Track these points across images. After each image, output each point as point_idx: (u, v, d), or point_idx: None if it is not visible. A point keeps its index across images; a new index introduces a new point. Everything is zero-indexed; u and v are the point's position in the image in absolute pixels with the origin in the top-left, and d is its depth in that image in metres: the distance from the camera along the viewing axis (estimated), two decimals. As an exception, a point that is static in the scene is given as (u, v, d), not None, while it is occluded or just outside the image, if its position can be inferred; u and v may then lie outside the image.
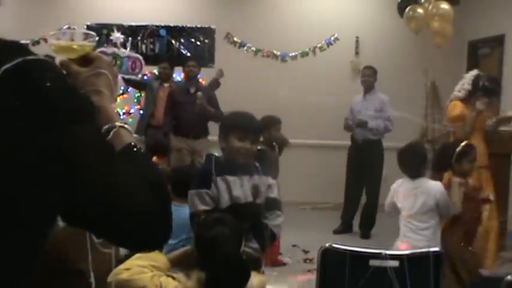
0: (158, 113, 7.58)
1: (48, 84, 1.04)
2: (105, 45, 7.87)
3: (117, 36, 7.68)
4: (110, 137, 1.26)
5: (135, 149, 1.27)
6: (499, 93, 6.47)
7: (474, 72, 5.68)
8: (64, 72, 1.33)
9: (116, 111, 1.36)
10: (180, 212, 3.55)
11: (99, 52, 6.70)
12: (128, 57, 7.49)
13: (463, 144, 4.37)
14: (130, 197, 1.13)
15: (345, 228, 7.28)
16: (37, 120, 1.01)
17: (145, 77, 8.08)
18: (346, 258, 3.05)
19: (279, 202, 3.34)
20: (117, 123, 1.29)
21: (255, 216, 3.16)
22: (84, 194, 1.07)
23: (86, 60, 1.38)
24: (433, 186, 4.21)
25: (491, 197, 4.77)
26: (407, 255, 3.11)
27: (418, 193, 4.23)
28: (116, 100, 1.45)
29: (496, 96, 5.99)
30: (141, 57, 7.63)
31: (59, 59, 1.40)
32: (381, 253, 3.08)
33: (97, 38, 1.40)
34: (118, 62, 7.40)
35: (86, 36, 1.40)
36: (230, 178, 3.11)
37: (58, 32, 1.42)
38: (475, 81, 5.54)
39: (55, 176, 1.03)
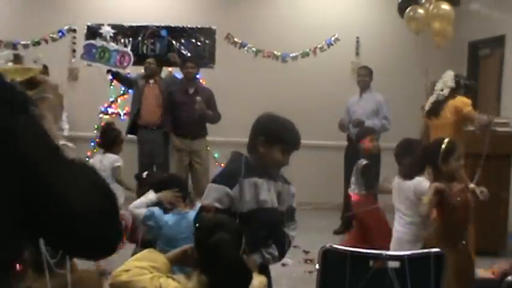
0: (144, 111, 7.60)
1: None
2: (96, 38, 7.89)
3: (107, 30, 7.73)
4: None
5: (79, 164, 1.29)
6: (477, 91, 6.54)
7: (451, 72, 5.75)
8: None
9: (57, 133, 1.41)
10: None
11: (87, 44, 6.75)
12: (117, 50, 7.53)
13: (446, 141, 4.16)
14: (82, 199, 1.14)
15: (345, 228, 7.28)
16: None
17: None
18: (346, 259, 3.05)
19: (295, 212, 3.30)
20: (60, 143, 1.33)
21: (278, 222, 3.12)
22: (33, 197, 1.08)
23: (32, 82, 1.43)
24: (415, 182, 4.23)
25: (479, 193, 4.37)
26: (408, 255, 3.11)
27: (402, 188, 4.36)
28: (60, 119, 1.49)
29: (475, 93, 6.06)
30: (130, 52, 7.68)
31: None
32: (381, 254, 3.08)
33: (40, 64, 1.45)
34: (106, 55, 7.44)
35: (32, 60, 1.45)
36: (258, 181, 3.04)
37: (2, 54, 1.47)
38: (457, 79, 5.62)
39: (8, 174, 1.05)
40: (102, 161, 5.50)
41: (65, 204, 1.11)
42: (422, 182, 4.21)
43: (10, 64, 1.42)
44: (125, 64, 7.59)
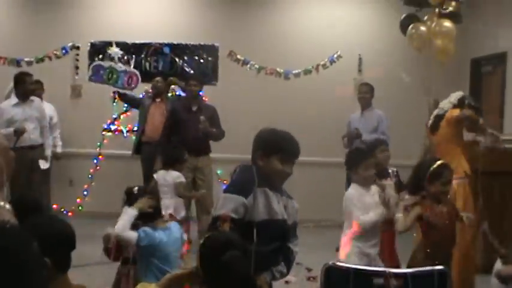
0: (148, 128, 7.63)
1: None
2: (103, 58, 7.94)
3: (115, 51, 7.76)
4: None
5: (7, 225, 1.32)
6: (482, 114, 6.50)
7: (460, 92, 5.73)
8: None
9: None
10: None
11: (95, 65, 6.82)
12: (125, 71, 7.55)
13: (437, 163, 4.15)
14: None
15: (348, 246, 7.24)
16: None
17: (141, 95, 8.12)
18: (349, 276, 3.03)
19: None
20: None
21: (286, 236, 3.12)
22: None
23: None
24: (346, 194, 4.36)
25: (465, 219, 4.32)
26: (411, 273, 3.09)
27: None
28: (5, 182, 1.53)
29: (479, 115, 6.01)
30: (137, 73, 7.69)
31: None
32: (384, 271, 3.06)
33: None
34: (114, 76, 7.45)
35: None
36: (269, 191, 3.05)
37: None
38: (461, 99, 5.59)
39: None
40: (165, 177, 5.93)
41: None
42: (347, 199, 4.29)
43: None
44: (133, 85, 7.60)
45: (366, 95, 7.50)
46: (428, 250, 4.03)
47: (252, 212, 2.93)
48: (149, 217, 3.89)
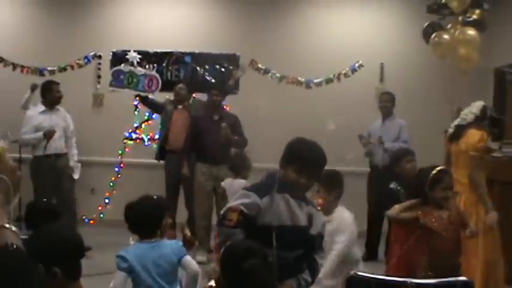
0: (172, 136, 7.61)
1: None
2: (122, 64, 7.96)
3: (133, 55, 7.79)
4: None
5: (10, 248, 1.31)
6: (503, 126, 6.41)
7: (481, 102, 5.64)
8: None
9: (5, 214, 1.41)
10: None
11: (115, 71, 6.82)
12: (145, 75, 7.57)
13: (437, 169, 4.12)
14: None
15: (369, 255, 7.19)
16: None
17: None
18: (371, 287, 3.00)
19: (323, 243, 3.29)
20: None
21: (309, 244, 3.11)
22: None
23: None
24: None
25: (468, 232, 4.24)
26: (433, 284, 3.05)
27: None
28: (14, 201, 1.52)
29: (500, 127, 5.93)
30: (157, 76, 7.71)
31: None
32: (406, 281, 3.02)
33: (8, 141, 1.45)
34: (134, 80, 7.47)
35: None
36: (291, 199, 3.05)
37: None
38: (483, 110, 5.49)
39: None
40: (232, 184, 6.13)
41: None
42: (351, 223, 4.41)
43: None
44: (153, 88, 7.62)
45: (387, 104, 7.46)
46: (430, 259, 3.99)
47: (271, 215, 2.95)
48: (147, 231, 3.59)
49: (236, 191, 5.72)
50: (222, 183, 6.29)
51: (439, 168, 4.16)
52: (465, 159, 5.30)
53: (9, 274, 1.23)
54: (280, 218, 2.97)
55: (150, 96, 7.77)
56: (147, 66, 8.32)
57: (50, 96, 7.24)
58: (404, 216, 4.08)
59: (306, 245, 3.08)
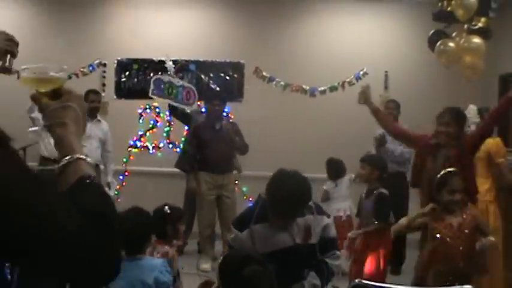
0: None
1: None
2: (160, 73, 7.82)
3: (170, 65, 7.60)
4: (64, 167, 1.26)
5: (87, 181, 1.25)
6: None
7: (473, 106, 5.66)
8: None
9: (80, 144, 1.35)
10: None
11: (156, 79, 6.64)
12: (183, 86, 7.38)
13: (442, 173, 4.10)
14: (58, 228, 1.09)
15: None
16: None
17: (202, 109, 7.82)
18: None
19: (336, 242, 3.28)
20: (76, 155, 1.28)
21: (302, 256, 3.11)
22: (7, 226, 1.04)
23: (56, 94, 1.40)
24: None
25: (485, 241, 4.07)
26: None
27: None
28: (84, 132, 1.41)
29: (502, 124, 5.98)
30: (194, 88, 7.44)
31: (30, 92, 1.42)
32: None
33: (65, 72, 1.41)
34: (174, 91, 7.30)
35: (59, 70, 1.41)
36: (270, 226, 3.12)
37: (30, 66, 1.42)
38: (480, 114, 5.53)
39: None
40: (337, 185, 6.96)
41: (46, 228, 1.08)
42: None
43: (31, 75, 1.41)
44: (191, 101, 7.38)
45: (392, 111, 7.43)
46: (437, 266, 3.96)
47: (253, 245, 3.01)
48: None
49: (343, 190, 7.07)
50: (325, 187, 7.02)
51: (446, 170, 4.13)
52: (482, 166, 5.34)
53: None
54: (261, 247, 2.99)
55: (187, 109, 7.52)
56: (151, 74, 8.28)
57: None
58: (413, 225, 4.03)
59: (298, 260, 3.08)
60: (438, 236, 3.94)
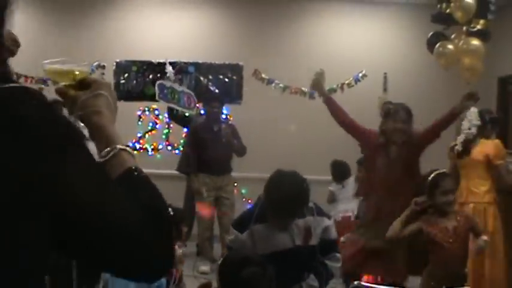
0: None
1: (28, 111, 1.01)
2: (158, 75, 7.88)
3: (170, 69, 7.55)
4: (109, 159, 1.21)
5: (135, 173, 1.22)
6: (503, 122, 6.41)
7: (474, 109, 5.66)
8: (57, 99, 1.37)
9: (118, 133, 1.32)
10: None
11: (159, 84, 6.57)
12: (183, 92, 7.36)
13: (433, 174, 4.03)
14: (124, 223, 1.07)
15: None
16: (17, 149, 0.97)
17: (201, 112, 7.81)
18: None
19: (336, 244, 3.28)
20: (119, 146, 1.24)
21: (302, 257, 3.10)
22: (73, 222, 1.03)
23: (82, 85, 1.36)
24: None
25: (482, 242, 4.04)
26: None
27: None
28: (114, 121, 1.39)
29: (503, 124, 5.97)
30: (193, 94, 7.43)
31: (55, 86, 1.39)
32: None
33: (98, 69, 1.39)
34: (176, 96, 7.28)
35: (82, 64, 1.41)
36: (271, 226, 3.10)
37: (53, 60, 1.42)
38: (481, 116, 5.53)
39: (39, 205, 0.99)
40: (343, 187, 6.95)
41: (102, 220, 1.06)
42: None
43: (56, 66, 1.39)
44: (192, 105, 7.37)
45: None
46: (433, 270, 3.93)
47: (253, 247, 2.98)
48: None
49: (348, 191, 7.01)
50: (331, 188, 7.00)
51: (437, 171, 4.07)
52: (481, 169, 5.33)
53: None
54: (261, 249, 2.98)
55: (187, 113, 7.51)
56: (150, 76, 8.28)
57: None
58: (406, 232, 3.97)
59: (298, 261, 3.08)
60: (435, 240, 3.89)
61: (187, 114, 7.45)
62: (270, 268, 2.52)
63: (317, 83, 5.42)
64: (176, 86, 7.35)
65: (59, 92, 1.38)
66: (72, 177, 1.02)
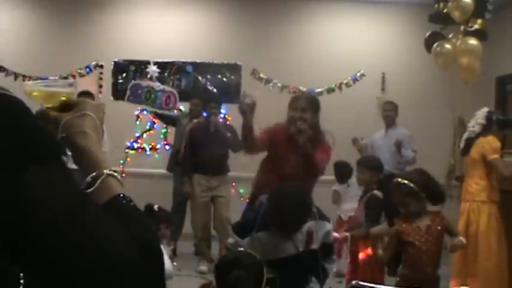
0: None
1: None
2: (139, 77, 7.84)
3: (153, 69, 7.52)
4: (96, 185, 1.10)
5: (124, 201, 1.11)
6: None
7: (485, 108, 5.67)
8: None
9: (104, 156, 1.22)
10: None
11: (133, 85, 6.49)
12: (163, 90, 7.35)
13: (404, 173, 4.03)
14: (103, 253, 0.92)
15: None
16: None
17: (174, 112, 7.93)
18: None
19: (333, 246, 3.32)
20: (105, 171, 1.15)
21: (305, 263, 3.12)
22: (40, 249, 0.89)
23: (67, 106, 1.25)
24: None
25: (449, 245, 4.04)
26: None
27: None
28: (102, 138, 1.31)
29: (509, 127, 5.96)
30: (175, 92, 7.43)
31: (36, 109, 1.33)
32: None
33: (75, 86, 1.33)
34: (152, 96, 7.28)
35: (67, 83, 1.32)
36: (273, 233, 3.11)
37: (36, 81, 1.34)
38: (489, 116, 5.53)
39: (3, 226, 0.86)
40: (346, 187, 6.81)
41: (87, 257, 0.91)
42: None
43: (39, 88, 1.34)
44: (171, 105, 7.34)
45: (390, 113, 7.44)
46: (405, 271, 3.94)
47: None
48: None
49: (352, 191, 6.61)
50: (335, 188, 6.89)
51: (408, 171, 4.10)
52: (479, 167, 5.35)
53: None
54: (263, 255, 2.98)
55: (167, 113, 7.53)
56: (148, 76, 8.28)
57: None
58: (389, 250, 4.00)
59: (303, 267, 3.10)
60: (407, 240, 3.88)
61: (166, 113, 7.45)
62: (260, 272, 2.53)
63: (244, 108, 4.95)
64: (155, 85, 7.28)
65: (41, 115, 1.24)
66: (37, 196, 0.89)
